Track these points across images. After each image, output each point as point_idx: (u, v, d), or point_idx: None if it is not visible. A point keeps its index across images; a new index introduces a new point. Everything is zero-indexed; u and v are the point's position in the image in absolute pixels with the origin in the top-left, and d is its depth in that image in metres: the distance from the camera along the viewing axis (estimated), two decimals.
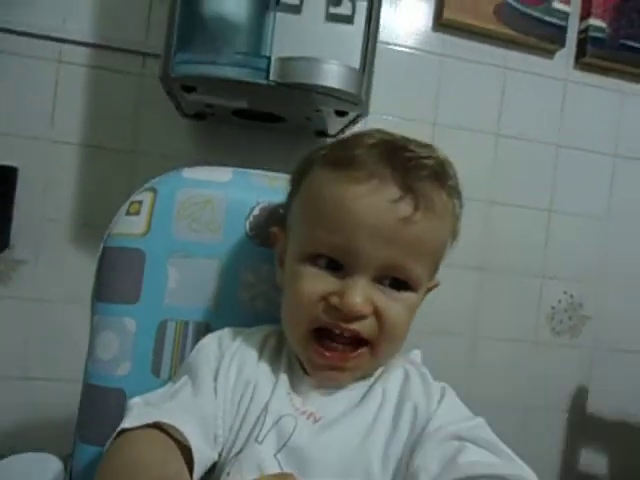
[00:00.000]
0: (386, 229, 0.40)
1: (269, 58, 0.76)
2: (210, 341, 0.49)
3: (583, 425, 1.30)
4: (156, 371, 0.53)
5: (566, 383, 1.30)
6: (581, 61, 1.26)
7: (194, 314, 0.54)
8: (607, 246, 1.30)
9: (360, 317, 0.42)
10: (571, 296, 1.29)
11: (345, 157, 0.42)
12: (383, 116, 1.17)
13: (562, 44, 1.24)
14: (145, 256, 0.54)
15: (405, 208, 0.41)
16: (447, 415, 0.43)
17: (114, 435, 0.39)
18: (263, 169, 0.61)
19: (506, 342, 1.26)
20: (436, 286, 0.50)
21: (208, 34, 0.78)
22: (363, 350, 0.43)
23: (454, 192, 0.46)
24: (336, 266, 0.43)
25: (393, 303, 0.43)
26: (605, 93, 1.29)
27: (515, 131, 1.24)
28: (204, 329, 0.54)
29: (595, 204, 1.30)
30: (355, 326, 0.42)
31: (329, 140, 1.07)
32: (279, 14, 0.79)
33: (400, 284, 0.43)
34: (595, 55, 1.24)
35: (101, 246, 0.55)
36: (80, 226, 1.03)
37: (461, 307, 1.24)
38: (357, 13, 0.82)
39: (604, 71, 1.28)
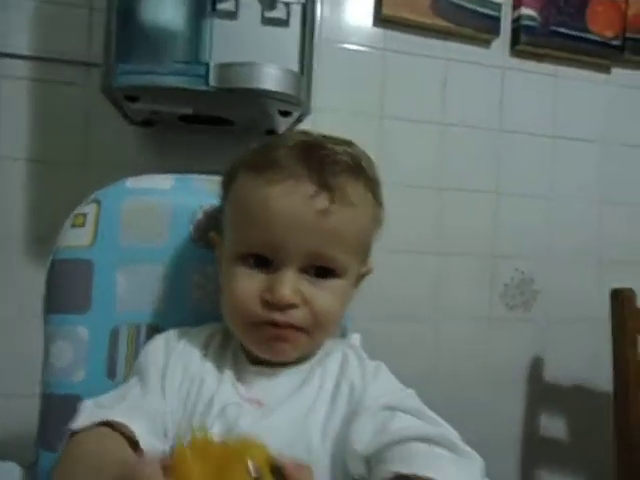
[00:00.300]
0: (305, 222, 0.44)
1: (207, 65, 0.78)
2: (157, 342, 0.51)
3: (541, 393, 1.38)
4: (111, 375, 0.55)
5: (522, 355, 1.37)
6: (516, 49, 1.32)
7: (145, 317, 0.57)
8: (552, 224, 1.37)
9: (291, 307, 0.45)
10: (522, 273, 1.36)
11: (266, 161, 0.46)
12: (330, 113, 1.20)
13: (497, 33, 1.29)
14: (93, 266, 0.56)
15: (321, 202, 0.44)
16: (380, 389, 0.47)
17: (65, 438, 0.42)
18: (216, 172, 0.63)
19: (465, 320, 1.32)
20: (369, 271, 0.54)
21: (147, 44, 0.79)
22: (299, 335, 0.47)
23: (371, 183, 0.50)
24: (265, 263, 0.46)
25: (321, 291, 0.46)
26: (541, 78, 1.35)
27: (458, 119, 1.30)
28: (156, 331, 0.56)
29: (539, 184, 1.37)
30: (288, 317, 0.45)
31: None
32: (216, 20, 0.81)
33: (326, 272, 0.47)
34: (528, 42, 1.30)
35: (49, 259, 0.57)
36: (32, 241, 1.03)
37: (421, 291, 1.29)
38: (292, 16, 0.84)
39: (538, 57, 1.34)
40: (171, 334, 0.53)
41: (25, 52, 1.02)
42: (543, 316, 1.37)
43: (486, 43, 1.30)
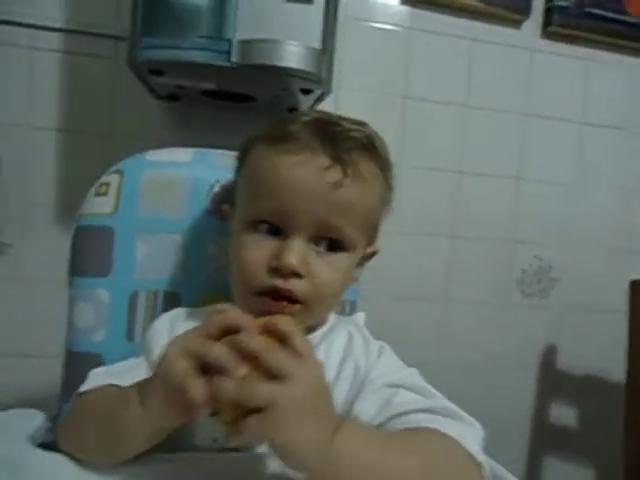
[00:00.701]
0: (318, 193, 0.45)
1: (230, 41, 0.79)
2: (163, 320, 0.53)
3: (553, 381, 1.38)
4: (130, 337, 0.58)
5: (536, 342, 1.37)
6: (547, 30, 1.28)
7: (163, 284, 0.60)
8: (574, 211, 1.35)
9: (295, 275, 0.46)
10: (540, 260, 1.35)
11: (281, 133, 0.47)
12: (354, 91, 1.20)
13: (528, 14, 1.26)
14: (114, 233, 0.58)
15: (334, 175, 0.45)
16: (383, 368, 0.48)
17: (73, 397, 0.45)
18: (236, 148, 0.65)
19: (478, 305, 1.32)
20: (376, 252, 0.55)
21: (172, 18, 0.80)
22: (296, 307, 0.47)
23: (383, 163, 0.51)
24: (276, 231, 0.47)
25: (326, 265, 0.47)
26: (572, 61, 1.31)
27: (483, 101, 1.28)
28: (172, 298, 0.60)
29: (562, 171, 1.34)
30: (289, 285, 0.46)
31: None
32: None
33: (335, 246, 0.48)
34: (561, 24, 1.26)
35: (74, 226, 0.60)
36: (63, 208, 1.08)
37: (434, 274, 1.29)
38: None
39: (570, 39, 1.30)
40: (176, 313, 0.54)
41: (56, 25, 1.05)
42: (560, 304, 1.36)
43: (516, 24, 1.27)
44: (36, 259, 1.07)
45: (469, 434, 0.41)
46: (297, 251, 0.45)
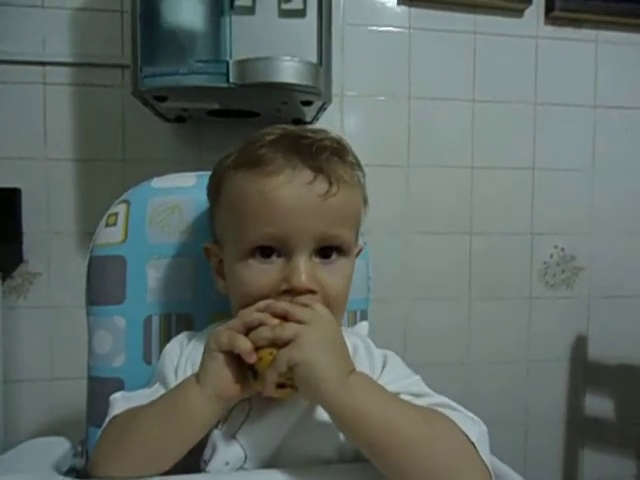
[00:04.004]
0: (309, 207, 0.46)
1: (227, 62, 0.81)
2: (172, 345, 0.55)
3: (586, 372, 1.35)
4: (147, 360, 0.60)
5: (565, 334, 1.34)
6: (551, 16, 1.26)
7: (175, 307, 0.62)
8: (593, 197, 1.32)
9: (310, 292, 0.46)
10: (562, 249, 1.32)
11: (254, 157, 0.47)
12: (359, 97, 1.21)
13: (529, 1, 1.24)
14: (126, 261, 0.61)
15: (321, 186, 0.46)
16: (387, 378, 0.48)
17: (104, 425, 0.47)
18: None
19: (501, 300, 1.30)
20: (361, 250, 0.56)
21: (170, 45, 0.83)
22: None
23: (355, 164, 0.51)
24: (272, 253, 0.47)
25: (332, 275, 0.48)
26: (578, 45, 1.29)
27: (491, 95, 1.26)
28: (185, 319, 0.61)
29: (579, 157, 1.31)
30: (307, 301, 0.46)
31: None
32: (234, 17, 0.84)
33: (335, 253, 0.49)
34: (564, 8, 1.24)
35: (88, 256, 0.62)
36: (84, 235, 1.12)
37: (455, 272, 1.28)
38: (308, 6, 0.85)
39: (575, 23, 1.28)
40: (183, 336, 0.56)
41: (65, 59, 1.09)
42: (586, 293, 1.33)
43: (518, 12, 1.26)
44: (62, 286, 1.11)
45: (469, 424, 0.42)
46: (305, 269, 0.46)
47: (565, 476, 1.35)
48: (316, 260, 0.48)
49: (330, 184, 0.46)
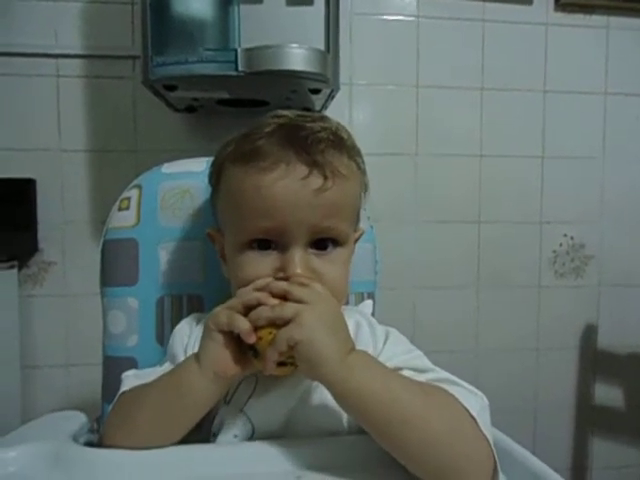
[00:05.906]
0: (304, 202, 0.46)
1: (236, 50, 0.82)
2: (182, 325, 0.56)
3: (595, 361, 1.35)
4: (160, 340, 0.62)
5: (574, 322, 1.34)
6: (561, 2, 1.25)
7: (186, 288, 0.63)
8: (603, 185, 1.31)
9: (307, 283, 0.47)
10: (571, 238, 1.32)
11: (250, 150, 0.47)
12: (368, 85, 1.21)
13: None
14: (138, 244, 0.62)
15: (315, 181, 0.46)
16: (389, 353, 0.49)
17: (115, 400, 0.49)
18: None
19: (510, 289, 1.31)
20: (362, 234, 0.57)
21: (179, 35, 0.84)
22: None
23: (353, 152, 0.51)
24: (270, 245, 0.48)
25: (329, 264, 0.49)
26: (589, 31, 1.28)
27: (500, 83, 1.26)
28: (195, 300, 0.63)
29: (589, 145, 1.31)
30: (305, 281, 0.46)
31: None
32: (243, 6, 0.85)
33: (331, 243, 0.50)
34: None
35: (101, 240, 0.64)
36: (97, 224, 1.14)
37: (464, 260, 1.29)
38: None
39: (587, 9, 1.27)
40: (192, 318, 0.57)
41: (77, 52, 1.11)
42: (596, 282, 1.33)
43: (527, 0, 1.25)
44: (77, 274, 1.14)
45: (470, 398, 0.43)
46: (300, 261, 0.47)
47: (574, 464, 1.35)
48: (311, 251, 0.49)
49: (325, 178, 0.47)
